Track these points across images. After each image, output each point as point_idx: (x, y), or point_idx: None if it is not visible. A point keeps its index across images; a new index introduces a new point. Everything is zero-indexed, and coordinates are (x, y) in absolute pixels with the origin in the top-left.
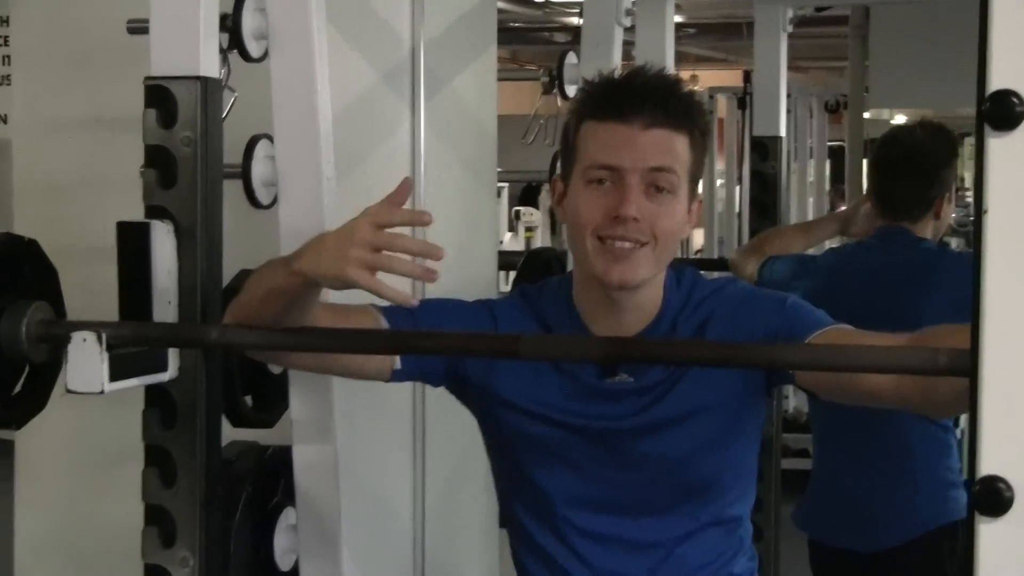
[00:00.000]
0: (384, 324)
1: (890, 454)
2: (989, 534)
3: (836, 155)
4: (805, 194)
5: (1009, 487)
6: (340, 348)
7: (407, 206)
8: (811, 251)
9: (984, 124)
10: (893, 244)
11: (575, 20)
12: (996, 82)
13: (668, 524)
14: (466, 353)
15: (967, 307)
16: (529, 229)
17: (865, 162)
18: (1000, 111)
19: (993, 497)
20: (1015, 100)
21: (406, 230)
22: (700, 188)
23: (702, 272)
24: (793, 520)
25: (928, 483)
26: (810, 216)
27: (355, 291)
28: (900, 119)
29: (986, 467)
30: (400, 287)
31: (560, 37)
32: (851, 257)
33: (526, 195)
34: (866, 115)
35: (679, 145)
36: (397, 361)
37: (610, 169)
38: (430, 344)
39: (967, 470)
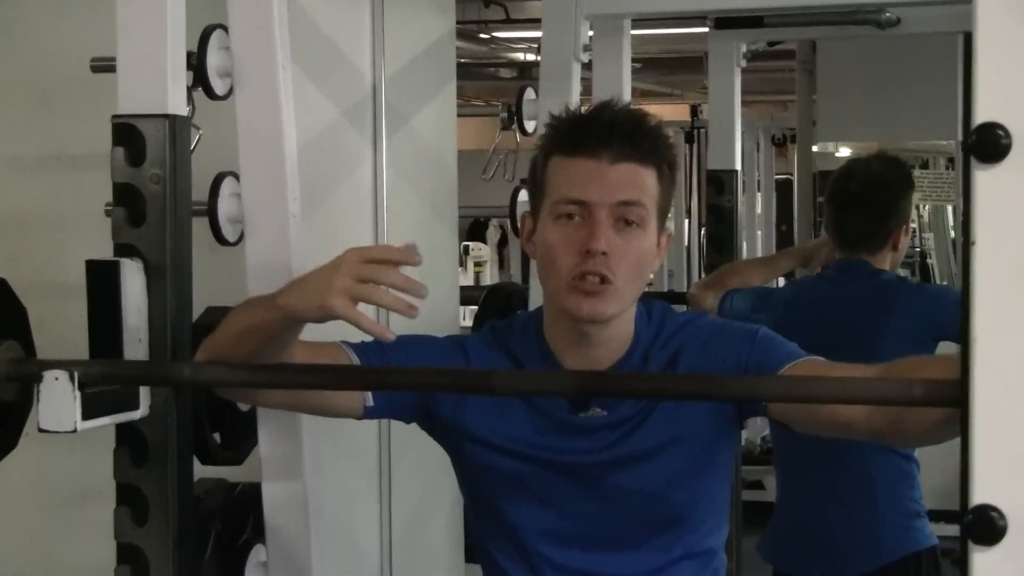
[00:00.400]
0: (355, 360)
1: (853, 485)
2: (983, 563)
3: (782, 188)
4: (754, 227)
5: (1002, 516)
6: (314, 385)
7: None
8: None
9: (971, 156)
10: (852, 276)
11: (520, 56)
12: (982, 115)
13: (642, 558)
14: (439, 388)
15: (926, 339)
16: (478, 264)
17: (815, 194)
18: (986, 143)
19: (986, 526)
20: (1001, 132)
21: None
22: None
23: None
24: (759, 551)
25: (891, 513)
26: (759, 249)
27: (335, 328)
28: (844, 152)
29: (979, 496)
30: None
31: (505, 73)
32: (811, 289)
33: (474, 230)
34: (814, 148)
35: (647, 179)
36: (369, 398)
37: (579, 204)
38: (404, 380)
39: (960, 500)
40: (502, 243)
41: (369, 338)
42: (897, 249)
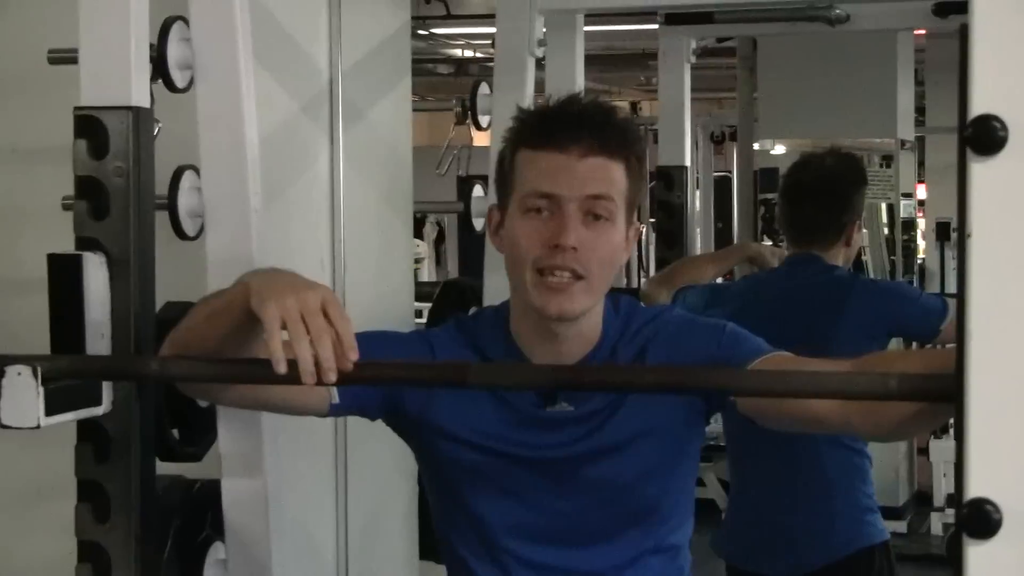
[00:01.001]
0: None
1: (806, 480)
2: (977, 556)
3: (719, 185)
4: (693, 224)
5: (997, 509)
6: (281, 379)
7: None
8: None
9: (967, 148)
10: (805, 270)
11: (458, 52)
12: (978, 107)
13: (610, 552)
14: (412, 383)
15: (880, 334)
16: (416, 261)
17: (756, 191)
18: (982, 136)
19: (981, 520)
20: (997, 124)
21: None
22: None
23: None
24: (712, 546)
25: (845, 508)
26: (698, 245)
27: None
28: (780, 149)
29: (973, 490)
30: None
31: (443, 69)
32: (763, 284)
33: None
34: (755, 146)
35: (616, 172)
36: (335, 395)
37: (548, 197)
38: (374, 374)
39: (955, 493)
40: (439, 240)
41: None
42: (850, 244)
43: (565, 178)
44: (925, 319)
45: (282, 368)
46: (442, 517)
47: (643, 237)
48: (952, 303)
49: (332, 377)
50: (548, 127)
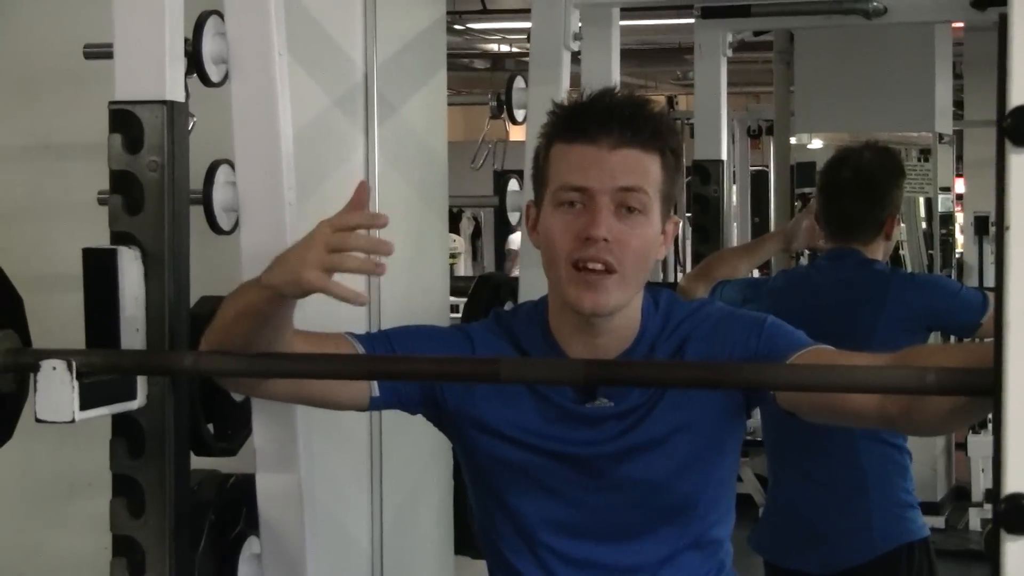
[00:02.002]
0: (360, 351)
1: (846, 476)
2: (1015, 552)
3: (756, 180)
4: (730, 219)
5: None
6: (315, 374)
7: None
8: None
9: (1005, 140)
10: (844, 265)
11: (494, 47)
12: (1017, 97)
13: (649, 548)
14: (445, 378)
15: (919, 328)
16: (452, 256)
17: (793, 186)
18: (1021, 127)
19: (1019, 515)
20: None
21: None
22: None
23: None
24: (749, 542)
25: (883, 504)
26: (735, 241)
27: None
28: (817, 144)
29: (1011, 485)
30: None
31: (479, 64)
32: (802, 279)
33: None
34: (792, 140)
35: (649, 165)
36: (375, 388)
37: (579, 190)
38: (408, 369)
39: (992, 488)
40: (476, 235)
41: (375, 329)
42: (889, 238)
43: (596, 170)
44: (964, 313)
45: (364, 298)
46: (482, 512)
47: (680, 232)
48: (992, 297)
49: (390, 248)
50: (580, 120)
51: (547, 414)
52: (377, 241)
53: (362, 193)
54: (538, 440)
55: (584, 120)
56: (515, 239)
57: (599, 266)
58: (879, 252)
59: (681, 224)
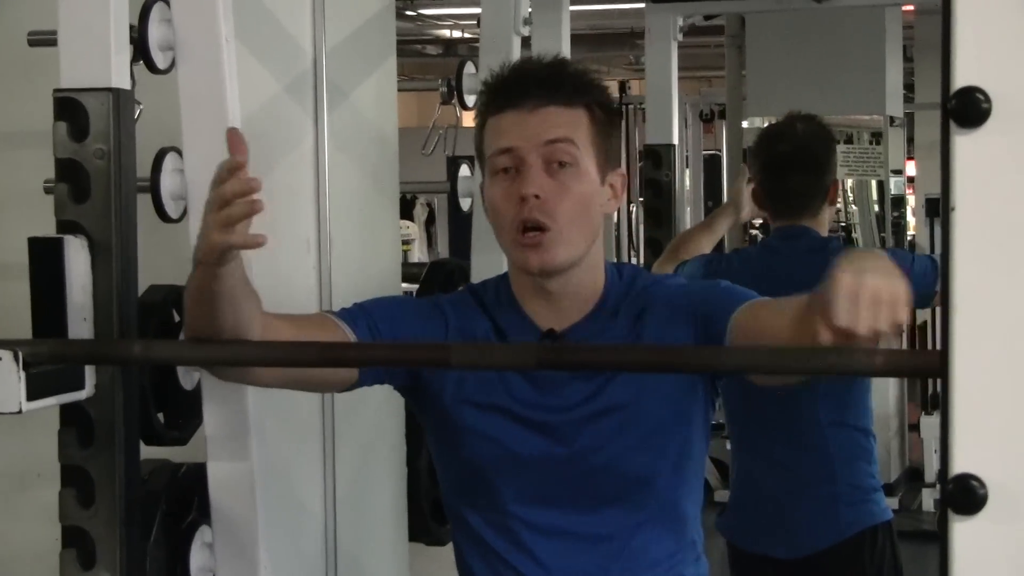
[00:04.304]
0: (343, 326)
1: (811, 461)
2: (963, 532)
3: (708, 164)
4: (683, 203)
5: (983, 485)
6: (268, 361)
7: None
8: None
9: (950, 121)
10: (798, 246)
11: (446, 32)
12: (961, 79)
13: (617, 517)
14: (398, 363)
15: None
16: (406, 243)
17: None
18: (966, 108)
19: (966, 495)
20: (980, 97)
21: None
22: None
23: None
24: (716, 527)
25: (849, 489)
26: (688, 224)
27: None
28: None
29: (959, 466)
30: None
31: (432, 50)
32: (757, 263)
33: (400, 208)
34: (744, 124)
35: (574, 117)
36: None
37: (507, 152)
38: (362, 356)
39: (940, 469)
40: (430, 221)
41: (348, 304)
42: (833, 203)
43: (518, 129)
44: (919, 285)
45: (263, 239)
46: (450, 484)
47: (633, 216)
48: None
49: (257, 185)
50: (503, 91)
51: (516, 380)
52: (246, 180)
53: (234, 141)
54: (508, 404)
55: (506, 89)
56: None
57: (537, 228)
58: (826, 221)
59: (635, 209)
